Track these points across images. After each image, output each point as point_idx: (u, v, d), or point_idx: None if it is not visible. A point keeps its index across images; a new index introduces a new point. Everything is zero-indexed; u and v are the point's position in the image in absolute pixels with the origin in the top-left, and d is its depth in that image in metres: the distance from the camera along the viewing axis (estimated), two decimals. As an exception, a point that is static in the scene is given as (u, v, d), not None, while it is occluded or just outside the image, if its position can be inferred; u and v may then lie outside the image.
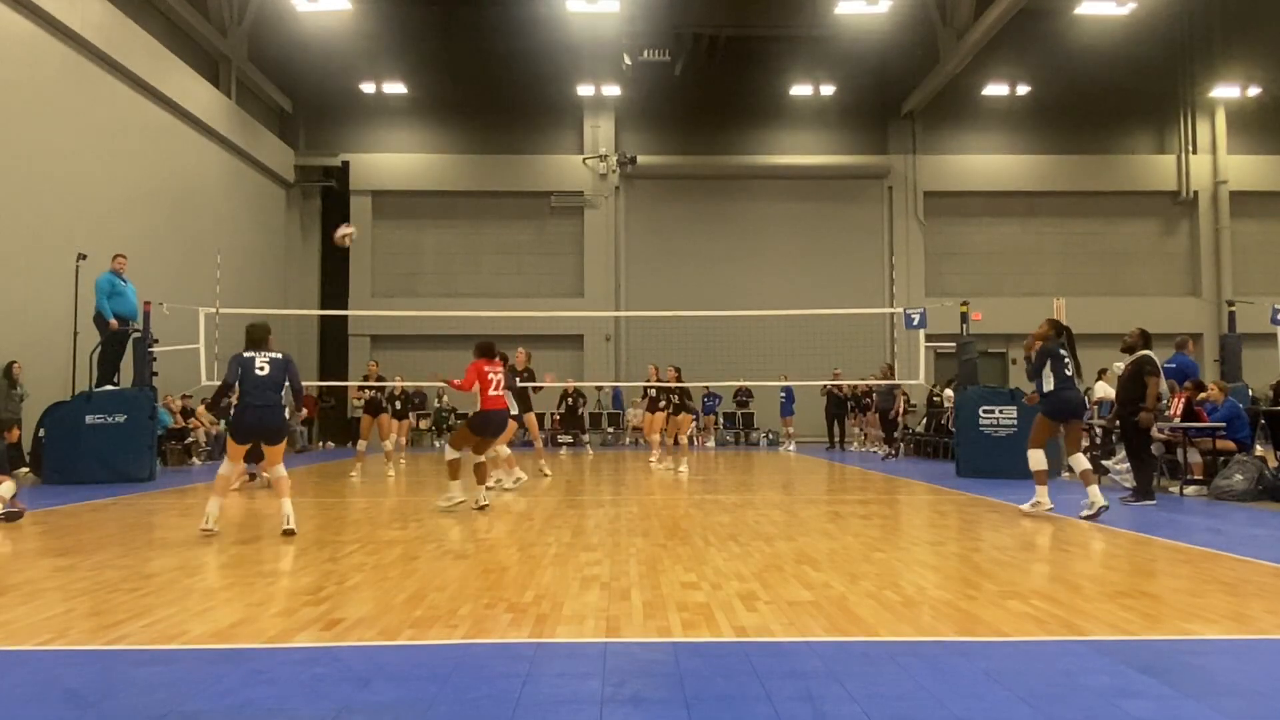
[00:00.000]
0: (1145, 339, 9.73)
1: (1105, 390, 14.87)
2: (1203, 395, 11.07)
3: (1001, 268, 26.43)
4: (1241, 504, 9.39)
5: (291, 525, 7.14)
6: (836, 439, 21.71)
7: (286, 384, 7.40)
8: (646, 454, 16.18)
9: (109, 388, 12.69)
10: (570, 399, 23.19)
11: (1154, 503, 9.27)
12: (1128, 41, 24.64)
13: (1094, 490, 8.17)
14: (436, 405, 24.45)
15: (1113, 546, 6.68)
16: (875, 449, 19.61)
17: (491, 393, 8.85)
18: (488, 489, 9.29)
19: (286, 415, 7.38)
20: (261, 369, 7.19)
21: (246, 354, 7.29)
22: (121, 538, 7.17)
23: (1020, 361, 25.87)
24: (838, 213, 26.28)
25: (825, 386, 21.28)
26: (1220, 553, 6.25)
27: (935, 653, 3.80)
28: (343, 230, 10.97)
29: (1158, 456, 11.24)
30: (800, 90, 25.65)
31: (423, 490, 11.38)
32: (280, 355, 7.39)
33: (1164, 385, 9.43)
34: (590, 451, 20.49)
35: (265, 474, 11.96)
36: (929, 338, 15.06)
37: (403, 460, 16.49)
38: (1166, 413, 10.97)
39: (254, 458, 9.45)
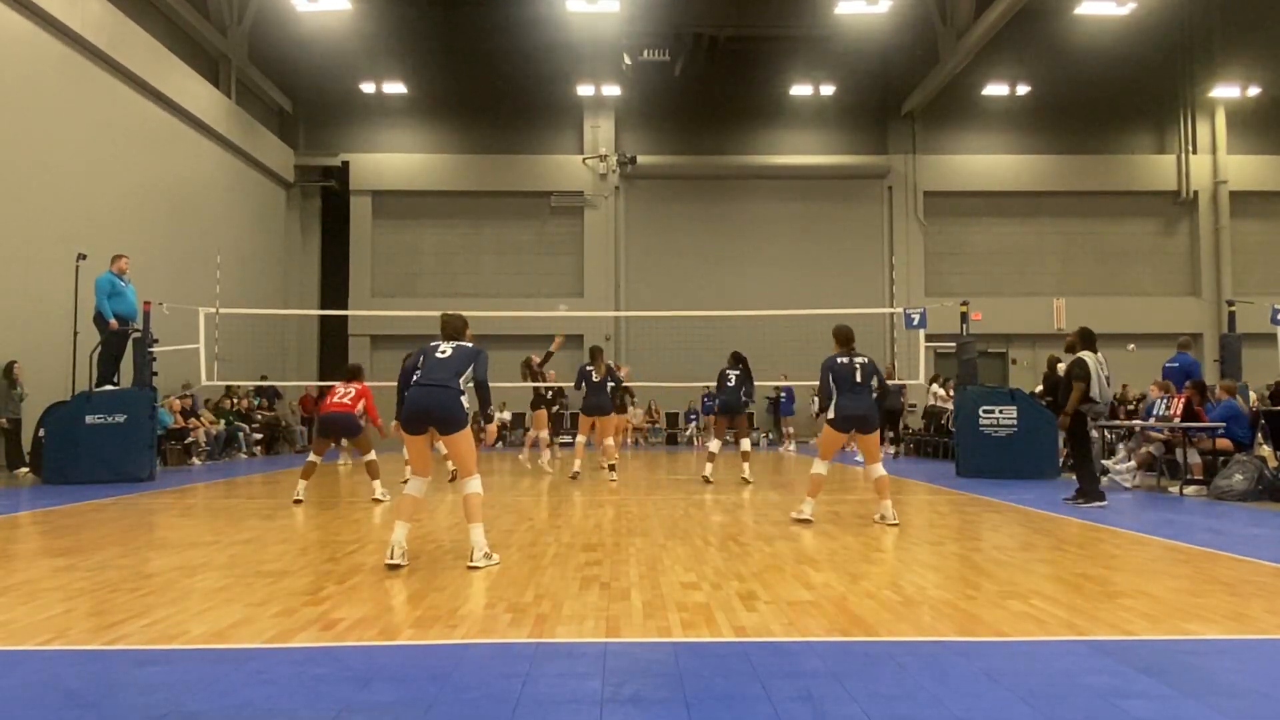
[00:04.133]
0: (1085, 340, 9.34)
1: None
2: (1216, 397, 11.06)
3: (1001, 268, 26.44)
4: (1241, 504, 9.39)
5: (475, 561, 5.78)
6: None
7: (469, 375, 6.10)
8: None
9: (109, 388, 12.68)
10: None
11: (1105, 504, 9.04)
12: (1128, 41, 24.66)
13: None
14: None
15: (1113, 546, 6.67)
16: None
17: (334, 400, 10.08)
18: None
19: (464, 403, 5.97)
20: (443, 353, 6.09)
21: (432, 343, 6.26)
22: (121, 538, 7.16)
23: (1020, 361, 25.97)
24: (838, 213, 26.29)
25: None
26: (1220, 553, 6.25)
27: (935, 653, 3.80)
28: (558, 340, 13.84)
29: (1162, 456, 11.24)
30: (800, 90, 25.66)
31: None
32: (470, 345, 6.26)
33: (1095, 389, 9.12)
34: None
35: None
36: (929, 338, 15.05)
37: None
38: (1157, 412, 10.96)
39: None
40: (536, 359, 14.47)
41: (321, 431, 10.23)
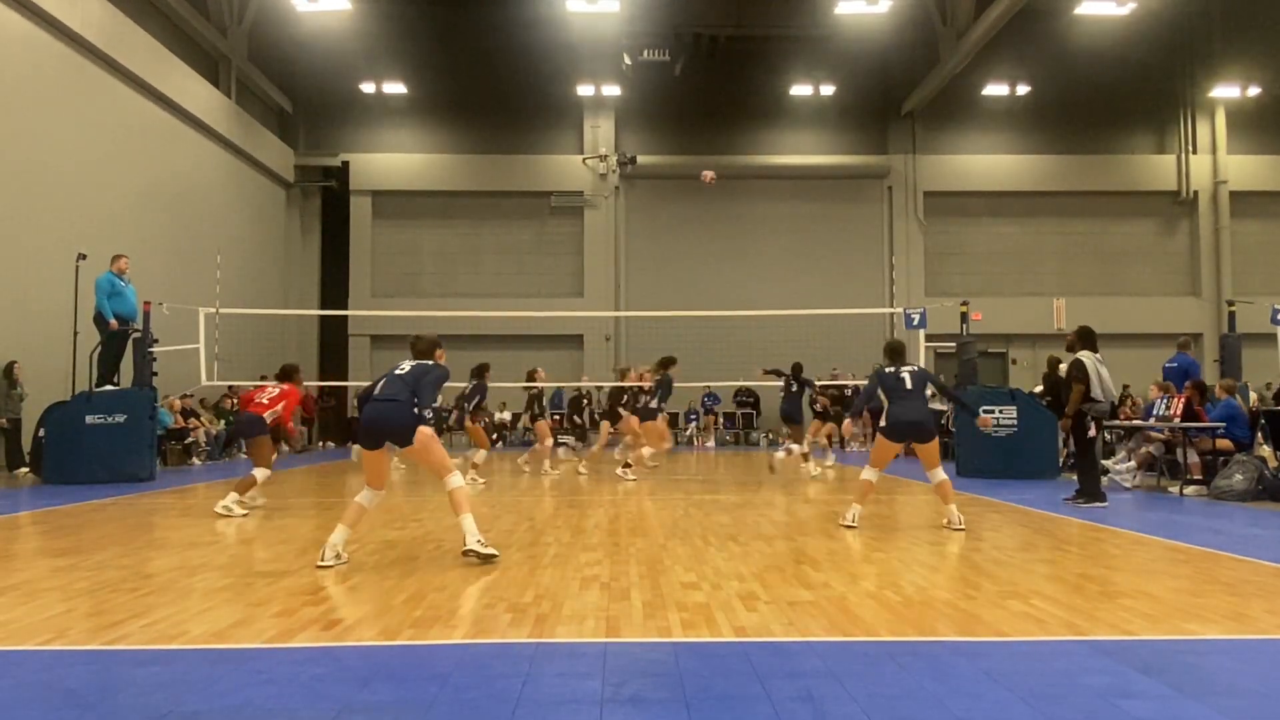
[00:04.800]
0: (1085, 339, 9.27)
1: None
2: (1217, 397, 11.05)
3: (1001, 268, 26.44)
4: (1241, 504, 9.39)
5: (470, 545, 5.85)
6: (835, 439, 21.69)
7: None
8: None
9: (109, 388, 12.68)
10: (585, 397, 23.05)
11: (1105, 504, 9.03)
12: (1128, 41, 24.65)
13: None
14: (435, 406, 24.40)
15: (1113, 546, 6.67)
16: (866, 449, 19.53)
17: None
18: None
19: (415, 412, 6.01)
20: (401, 370, 6.24)
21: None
22: (121, 538, 7.16)
23: (1020, 360, 25.95)
24: (838, 213, 26.28)
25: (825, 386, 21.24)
26: (1220, 553, 6.25)
27: (935, 653, 3.80)
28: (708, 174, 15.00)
29: (1162, 456, 11.23)
30: (800, 90, 25.65)
31: (421, 490, 11.38)
32: (430, 363, 6.34)
33: (1095, 388, 9.11)
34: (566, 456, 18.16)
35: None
36: (929, 338, 15.05)
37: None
38: (1158, 412, 10.96)
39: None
40: (542, 373, 14.55)
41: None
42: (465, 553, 5.84)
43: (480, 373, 12.46)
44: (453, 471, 6.05)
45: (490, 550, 5.90)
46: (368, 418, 5.97)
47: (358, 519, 6.06)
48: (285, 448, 17.65)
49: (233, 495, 8.72)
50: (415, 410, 5.93)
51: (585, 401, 23.30)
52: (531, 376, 14.50)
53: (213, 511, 8.66)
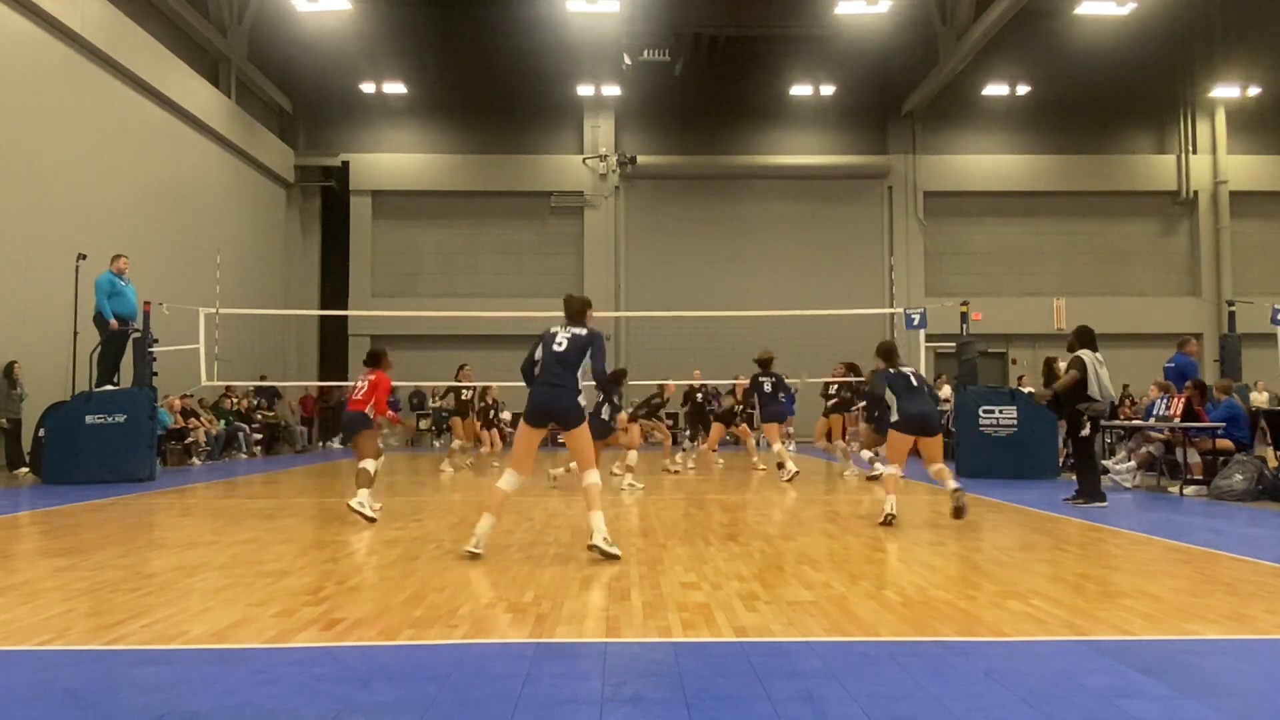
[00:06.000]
0: (1083, 339, 9.30)
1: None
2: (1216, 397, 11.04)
3: (1001, 268, 26.44)
4: (1241, 504, 9.39)
5: (595, 541, 6.00)
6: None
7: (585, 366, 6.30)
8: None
9: (109, 388, 12.68)
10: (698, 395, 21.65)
11: (1105, 504, 9.02)
12: (1128, 41, 24.64)
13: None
14: (435, 405, 24.45)
15: (1113, 546, 6.68)
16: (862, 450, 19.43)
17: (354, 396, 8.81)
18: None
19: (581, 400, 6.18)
20: (559, 345, 6.33)
21: (552, 329, 6.45)
22: (121, 538, 7.16)
23: (1020, 360, 25.95)
24: (838, 213, 26.28)
25: (825, 386, 21.22)
26: (1220, 553, 6.25)
27: (935, 653, 3.80)
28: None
29: (1162, 456, 11.23)
30: (800, 90, 25.65)
31: (420, 491, 11.38)
32: (585, 332, 6.43)
33: (1094, 387, 9.10)
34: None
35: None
36: (929, 338, 15.05)
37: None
38: (1158, 412, 10.96)
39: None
40: (469, 371, 14.24)
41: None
42: (590, 547, 6.04)
43: (617, 379, 11.93)
44: (593, 468, 6.27)
45: (614, 550, 6.00)
46: (538, 399, 6.17)
47: (503, 504, 6.25)
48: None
49: (364, 492, 8.29)
50: (579, 394, 6.18)
51: (700, 399, 21.85)
52: (459, 375, 14.23)
53: (346, 507, 8.30)
